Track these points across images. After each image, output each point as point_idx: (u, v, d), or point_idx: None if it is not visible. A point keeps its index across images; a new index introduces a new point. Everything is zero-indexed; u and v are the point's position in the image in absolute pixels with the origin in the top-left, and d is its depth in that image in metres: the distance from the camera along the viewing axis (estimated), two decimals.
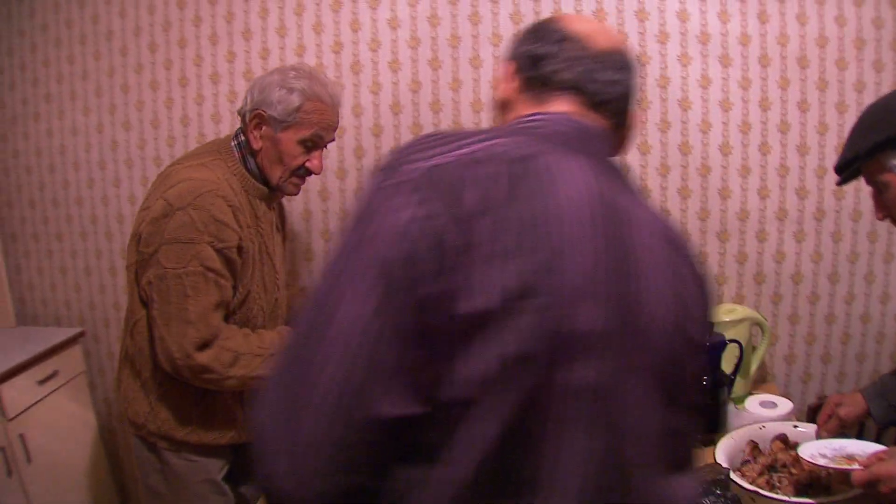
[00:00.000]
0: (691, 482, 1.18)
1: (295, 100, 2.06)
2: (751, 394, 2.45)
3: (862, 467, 1.64)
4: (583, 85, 1.19)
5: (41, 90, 3.01)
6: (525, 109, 1.21)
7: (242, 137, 2.14)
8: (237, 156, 2.12)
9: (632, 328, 1.03)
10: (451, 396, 0.97)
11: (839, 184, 1.87)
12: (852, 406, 2.03)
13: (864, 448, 1.82)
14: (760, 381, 2.71)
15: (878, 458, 1.64)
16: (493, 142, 1.04)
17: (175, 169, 2.12)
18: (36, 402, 2.79)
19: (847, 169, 1.80)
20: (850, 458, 1.77)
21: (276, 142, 2.09)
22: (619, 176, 1.16)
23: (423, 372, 0.96)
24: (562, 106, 1.19)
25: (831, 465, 1.74)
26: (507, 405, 0.96)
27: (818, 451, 1.81)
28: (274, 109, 2.06)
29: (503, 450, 0.97)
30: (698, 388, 1.20)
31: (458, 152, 1.02)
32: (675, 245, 1.13)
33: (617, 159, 1.21)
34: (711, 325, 1.21)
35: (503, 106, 1.27)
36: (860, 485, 1.61)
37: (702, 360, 1.18)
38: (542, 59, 1.22)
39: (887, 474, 1.57)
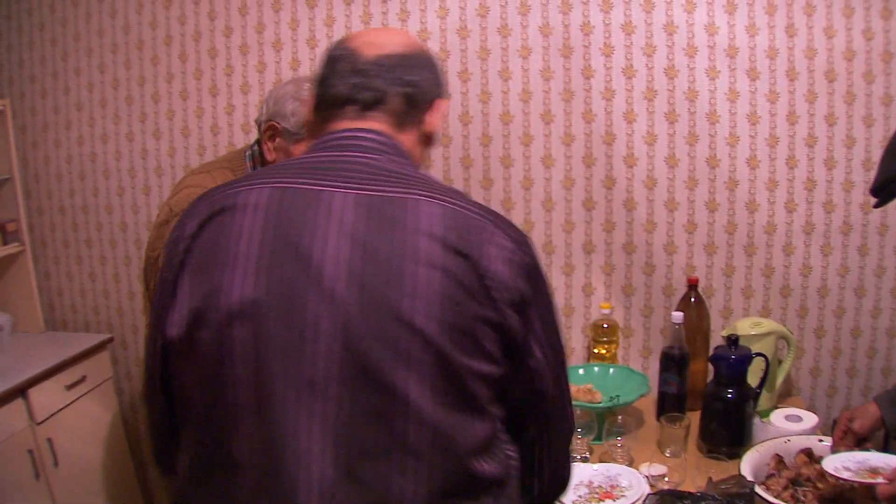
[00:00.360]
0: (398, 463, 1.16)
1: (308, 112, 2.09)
2: (776, 407, 2.50)
3: (887, 481, 1.68)
4: (354, 96, 1.33)
5: (72, 98, 3.11)
6: (319, 132, 1.37)
7: (256, 147, 2.20)
8: (248, 165, 2.18)
9: (311, 326, 1.14)
10: (178, 398, 1.29)
11: (876, 206, 1.94)
12: (864, 417, 2.07)
13: (888, 461, 1.84)
14: (786, 395, 2.75)
15: None
16: (238, 189, 1.26)
17: (184, 178, 2.21)
18: (64, 407, 2.88)
19: (882, 191, 1.86)
20: (874, 471, 1.80)
21: (289, 154, 2.11)
22: (367, 173, 1.24)
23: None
24: (338, 123, 1.33)
25: (856, 479, 1.77)
26: (202, 400, 1.22)
27: (842, 464, 1.84)
28: (287, 121, 2.09)
29: (207, 437, 1.23)
30: (444, 370, 1.16)
31: (204, 210, 1.27)
32: (409, 230, 1.16)
33: (394, 154, 1.31)
34: (488, 299, 1.18)
35: (309, 131, 1.42)
36: (886, 499, 1.65)
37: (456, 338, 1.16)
38: (321, 82, 1.37)
39: None
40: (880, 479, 1.71)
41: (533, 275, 1.25)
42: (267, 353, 1.15)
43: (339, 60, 1.35)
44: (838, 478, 1.79)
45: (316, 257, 1.15)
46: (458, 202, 1.22)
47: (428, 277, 1.14)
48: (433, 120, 1.40)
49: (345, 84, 1.33)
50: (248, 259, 1.17)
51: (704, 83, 2.68)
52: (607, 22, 2.68)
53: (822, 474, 1.90)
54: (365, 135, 1.31)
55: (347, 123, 1.32)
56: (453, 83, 2.78)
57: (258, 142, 2.20)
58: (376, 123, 1.32)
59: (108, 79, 3.05)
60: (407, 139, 1.36)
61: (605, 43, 2.70)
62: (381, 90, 1.33)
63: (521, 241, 1.25)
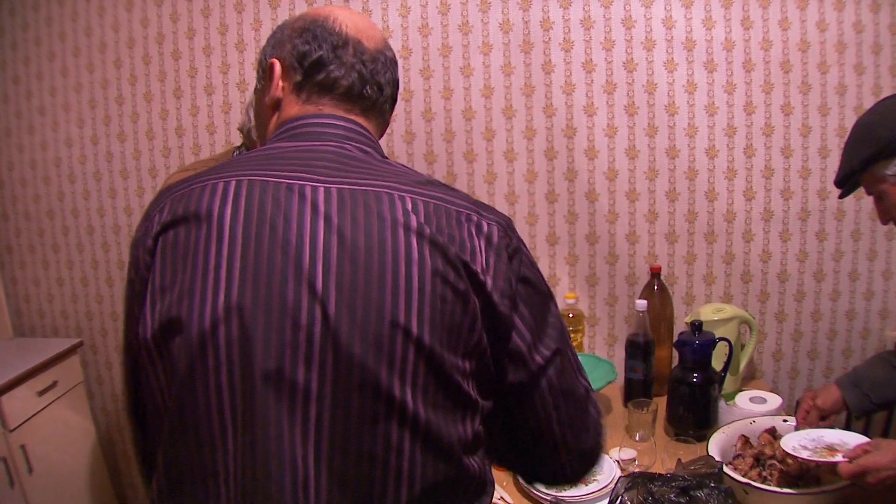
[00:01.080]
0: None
1: None
2: (741, 390, 2.53)
3: (846, 459, 1.70)
4: (358, 89, 1.29)
5: (35, 103, 3.07)
6: (294, 111, 1.30)
7: (244, 150, 2.19)
8: None
9: (304, 330, 1.08)
10: (150, 406, 1.22)
11: (841, 196, 1.99)
12: (827, 395, 2.11)
13: (842, 437, 1.88)
14: (750, 378, 2.80)
15: (863, 449, 1.70)
16: (209, 181, 1.18)
17: (172, 175, 2.20)
18: (36, 413, 2.84)
19: (846, 183, 1.92)
20: (831, 448, 1.82)
21: None
22: (347, 165, 1.19)
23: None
24: (324, 107, 1.28)
25: (816, 459, 1.79)
26: (175, 407, 1.14)
27: (799, 443, 1.87)
28: None
29: (181, 445, 1.14)
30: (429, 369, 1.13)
31: (168, 205, 1.19)
32: (398, 229, 1.12)
33: (369, 148, 1.27)
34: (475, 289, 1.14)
35: (274, 106, 1.33)
36: (848, 477, 1.67)
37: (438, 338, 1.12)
38: (319, 64, 1.29)
39: (874, 466, 1.63)
40: (839, 457, 1.74)
41: (519, 257, 1.21)
42: (256, 359, 1.08)
43: (340, 47, 1.28)
44: (797, 458, 1.82)
45: (305, 258, 1.09)
46: (438, 195, 1.18)
47: (420, 278, 1.11)
48: (388, 122, 1.40)
49: (352, 74, 1.28)
50: (232, 260, 1.10)
51: (663, 76, 2.71)
52: (566, 17, 2.70)
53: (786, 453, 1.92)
54: (349, 125, 1.27)
55: (335, 111, 1.28)
56: (416, 80, 2.79)
57: (246, 147, 2.20)
58: (364, 119, 1.30)
59: (71, 82, 3.02)
60: (377, 137, 1.34)
61: (564, 38, 2.72)
62: (381, 88, 1.31)
63: (505, 226, 1.21)
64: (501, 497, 2.11)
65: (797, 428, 2.12)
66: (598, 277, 2.87)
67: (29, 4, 3.00)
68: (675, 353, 2.41)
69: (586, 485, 2.07)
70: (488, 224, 1.18)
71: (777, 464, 1.97)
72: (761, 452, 2.03)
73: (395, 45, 2.77)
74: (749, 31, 2.64)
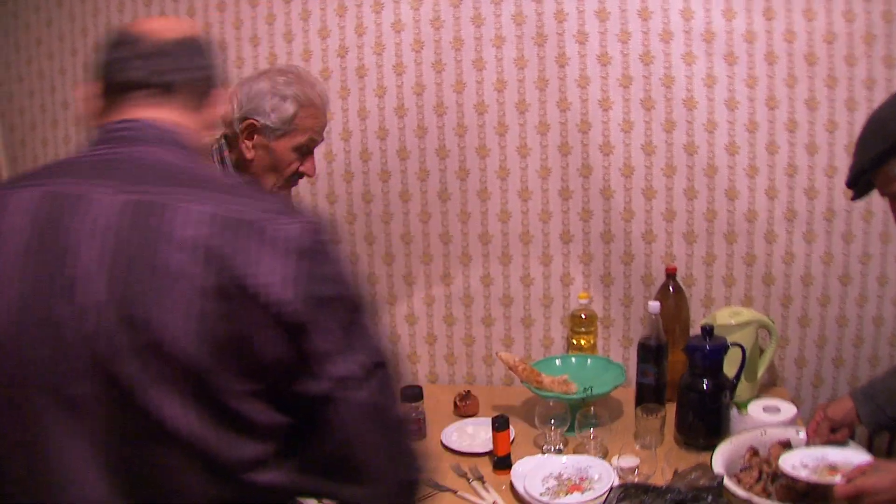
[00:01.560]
0: None
1: (289, 108, 1.96)
2: (757, 397, 2.34)
3: (844, 480, 1.57)
4: (145, 81, 1.21)
5: (58, 97, 3.00)
6: (102, 120, 1.23)
7: (224, 141, 2.07)
8: (215, 159, 2.05)
9: (70, 347, 1.03)
10: None
11: (854, 198, 1.82)
12: (838, 406, 1.95)
13: (846, 456, 1.74)
14: (770, 385, 2.60)
15: (861, 471, 1.58)
16: (5, 192, 1.14)
17: None
18: None
19: (857, 183, 1.75)
20: (833, 467, 1.70)
21: (270, 150, 1.99)
22: (140, 170, 1.13)
23: None
24: (123, 111, 1.20)
25: (813, 479, 1.67)
26: None
27: (800, 461, 1.74)
28: (267, 118, 1.96)
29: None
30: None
31: None
32: (171, 241, 1.04)
33: (190, 141, 1.23)
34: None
35: (91, 123, 1.27)
36: (844, 498, 1.55)
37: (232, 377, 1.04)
38: (108, 66, 1.24)
39: (871, 488, 1.51)
40: (838, 478, 1.60)
41: (322, 261, 1.10)
42: (31, 377, 1.04)
43: (123, 45, 1.23)
44: (794, 477, 1.69)
45: (78, 273, 1.04)
46: (233, 204, 1.08)
47: (187, 292, 1.02)
48: (216, 108, 1.31)
49: (134, 69, 1.21)
50: (10, 278, 1.06)
51: (681, 69, 2.51)
52: (581, 9, 2.52)
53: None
54: (147, 125, 1.19)
55: (132, 112, 1.20)
56: (428, 74, 2.64)
57: (225, 137, 2.08)
58: (163, 112, 1.21)
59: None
60: (192, 128, 1.25)
61: (578, 30, 2.53)
62: (170, 75, 1.22)
63: (307, 229, 1.10)
64: (494, 502, 1.99)
65: (808, 442, 1.95)
66: (613, 277, 2.68)
67: (52, 1, 2.93)
68: None
69: (582, 492, 1.93)
70: (285, 228, 1.08)
71: (785, 478, 1.81)
72: (766, 462, 1.87)
73: (407, 38, 2.63)
74: (772, 21, 2.43)
